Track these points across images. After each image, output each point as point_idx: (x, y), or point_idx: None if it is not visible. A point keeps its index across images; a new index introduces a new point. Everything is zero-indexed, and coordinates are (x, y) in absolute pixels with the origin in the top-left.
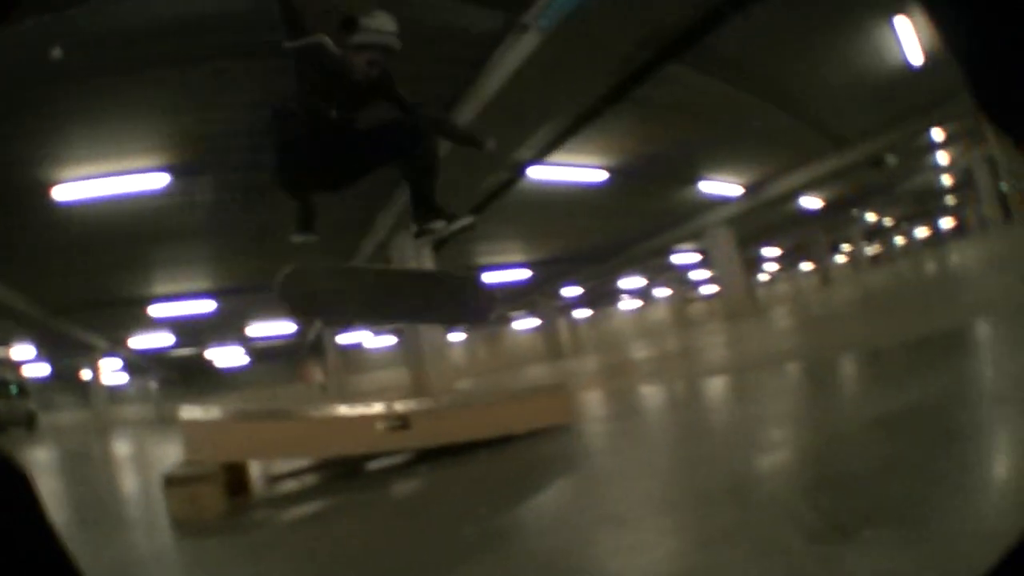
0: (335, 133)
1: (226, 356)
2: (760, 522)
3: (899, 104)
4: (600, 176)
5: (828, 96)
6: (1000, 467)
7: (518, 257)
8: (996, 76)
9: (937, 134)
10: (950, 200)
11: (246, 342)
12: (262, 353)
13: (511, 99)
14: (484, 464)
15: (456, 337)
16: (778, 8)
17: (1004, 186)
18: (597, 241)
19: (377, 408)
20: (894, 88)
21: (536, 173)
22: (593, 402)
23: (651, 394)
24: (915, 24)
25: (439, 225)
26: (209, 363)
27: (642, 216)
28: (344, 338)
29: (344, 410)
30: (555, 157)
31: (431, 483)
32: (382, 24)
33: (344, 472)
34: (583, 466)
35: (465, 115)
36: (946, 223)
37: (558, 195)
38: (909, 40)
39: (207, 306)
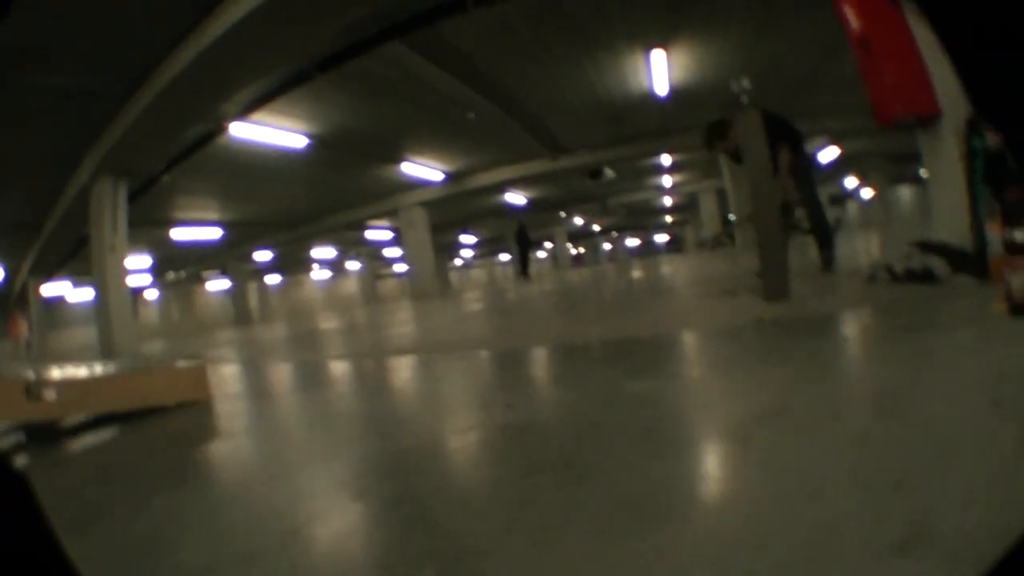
0: None
1: None
2: None
3: (632, 127)
4: (301, 142)
5: (557, 107)
6: None
7: (212, 216)
8: (991, 75)
9: (666, 159)
10: (668, 218)
11: None
12: None
13: (226, 50)
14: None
15: (151, 294)
16: (528, 15)
17: (732, 216)
18: (292, 207)
19: (23, 376)
20: (632, 112)
21: (238, 130)
22: (251, 377)
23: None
24: (668, 59)
25: None
26: None
27: (340, 188)
28: (48, 290)
29: None
30: (259, 116)
31: None
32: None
33: None
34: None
35: (181, 60)
36: (660, 237)
37: (257, 156)
38: (660, 72)
39: None
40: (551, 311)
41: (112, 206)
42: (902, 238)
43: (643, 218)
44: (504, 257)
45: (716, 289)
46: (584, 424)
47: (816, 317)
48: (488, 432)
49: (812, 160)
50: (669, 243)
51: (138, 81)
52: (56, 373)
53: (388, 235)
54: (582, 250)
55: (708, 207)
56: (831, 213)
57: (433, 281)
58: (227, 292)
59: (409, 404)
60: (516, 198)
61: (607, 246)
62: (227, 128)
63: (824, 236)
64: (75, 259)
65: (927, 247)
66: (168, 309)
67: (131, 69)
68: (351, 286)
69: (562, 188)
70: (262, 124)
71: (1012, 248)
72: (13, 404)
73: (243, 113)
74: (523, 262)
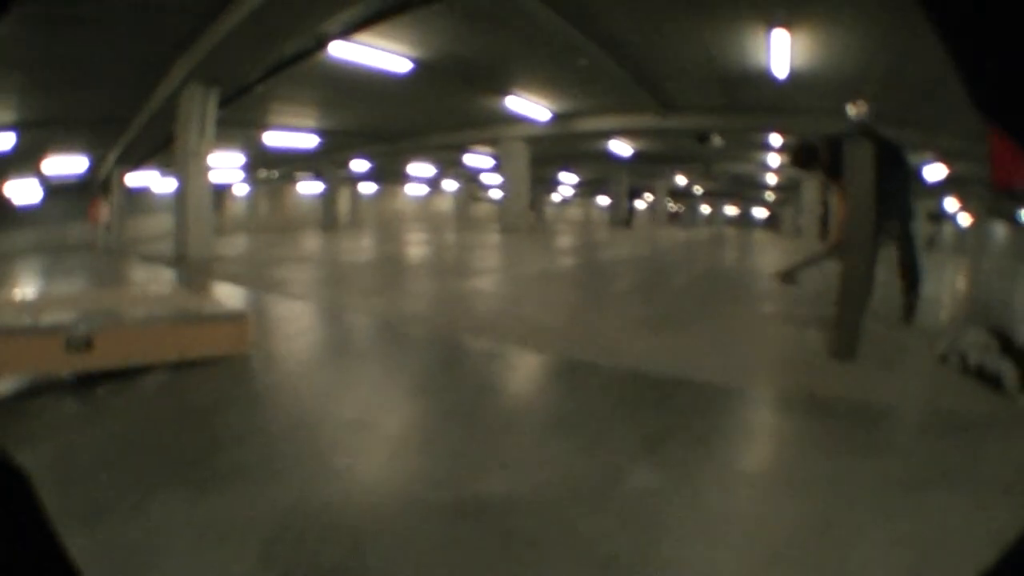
0: None
1: (22, 191)
2: None
3: (745, 99)
4: (405, 66)
5: (671, 66)
6: None
7: (308, 123)
8: (994, 76)
9: (775, 138)
10: (770, 195)
11: (42, 177)
12: (56, 190)
13: None
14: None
15: (241, 189)
16: None
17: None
18: (391, 123)
19: (60, 321)
20: (747, 85)
21: (339, 49)
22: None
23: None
24: (791, 40)
25: None
26: (6, 199)
27: (442, 111)
28: (134, 179)
29: (23, 326)
30: (361, 37)
31: None
32: None
33: None
34: None
35: None
36: (759, 212)
37: (359, 74)
38: (780, 52)
39: (6, 140)
40: (608, 292)
41: (200, 113)
42: (994, 284)
43: (745, 189)
44: (603, 200)
45: (786, 308)
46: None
47: (873, 410)
48: None
49: (912, 189)
50: (767, 219)
51: None
52: (98, 313)
53: (488, 162)
54: (680, 208)
55: (809, 196)
56: (928, 229)
57: (525, 216)
58: (319, 196)
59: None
60: (621, 147)
61: (706, 208)
62: (327, 46)
63: (913, 278)
64: (163, 153)
65: (1006, 345)
66: (257, 206)
67: None
68: (446, 204)
69: (668, 145)
70: (365, 44)
71: None
72: (54, 356)
73: (344, 33)
74: (629, 214)
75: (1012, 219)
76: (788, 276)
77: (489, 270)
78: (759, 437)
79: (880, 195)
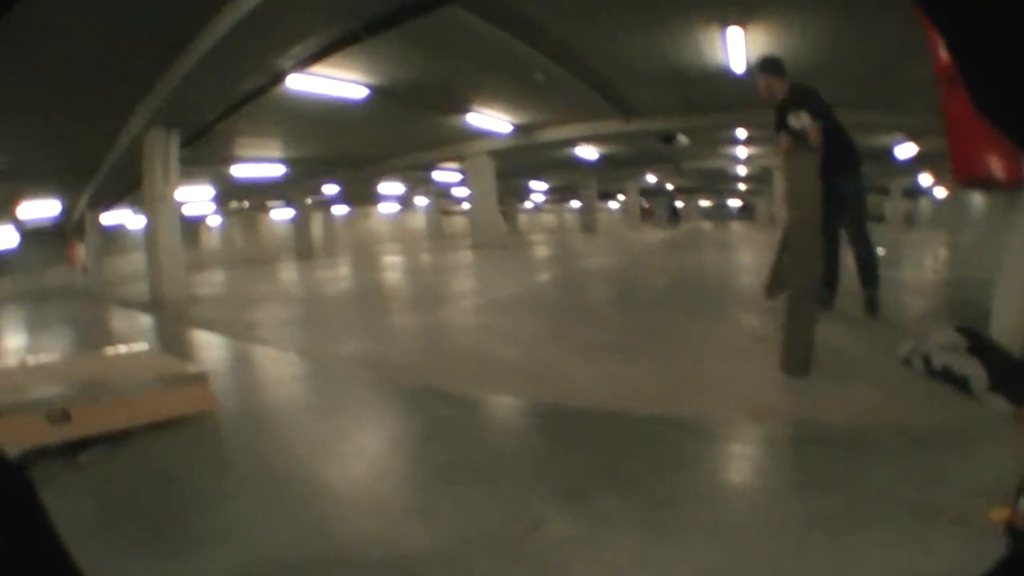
0: None
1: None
2: None
3: (707, 98)
4: (361, 92)
5: (628, 72)
6: None
7: (273, 154)
8: (996, 77)
9: (741, 132)
10: (742, 186)
11: (17, 223)
12: (31, 234)
13: (270, 10)
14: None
15: (214, 220)
16: None
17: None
18: (355, 149)
19: (40, 396)
20: (707, 84)
21: (296, 82)
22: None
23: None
24: (746, 37)
25: None
26: None
27: (403, 133)
28: (107, 218)
29: (10, 403)
30: (317, 69)
31: None
32: None
33: None
34: None
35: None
36: (733, 202)
37: (317, 104)
38: (736, 49)
39: None
40: (574, 314)
41: (163, 155)
42: (972, 256)
43: (717, 183)
44: (575, 204)
45: (758, 321)
46: None
47: (822, 433)
48: None
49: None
50: (742, 208)
51: (186, 40)
52: (74, 385)
53: (456, 176)
54: (651, 207)
55: (782, 184)
56: (902, 206)
57: (496, 230)
58: (291, 221)
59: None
60: (588, 152)
61: (679, 204)
62: (284, 80)
63: (869, 273)
64: (133, 193)
65: (974, 344)
66: (231, 236)
67: (178, 30)
68: (419, 221)
69: (636, 147)
70: (320, 76)
71: None
72: (39, 428)
73: (299, 66)
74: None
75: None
76: (772, 289)
77: (457, 296)
78: (688, 476)
79: (830, 194)
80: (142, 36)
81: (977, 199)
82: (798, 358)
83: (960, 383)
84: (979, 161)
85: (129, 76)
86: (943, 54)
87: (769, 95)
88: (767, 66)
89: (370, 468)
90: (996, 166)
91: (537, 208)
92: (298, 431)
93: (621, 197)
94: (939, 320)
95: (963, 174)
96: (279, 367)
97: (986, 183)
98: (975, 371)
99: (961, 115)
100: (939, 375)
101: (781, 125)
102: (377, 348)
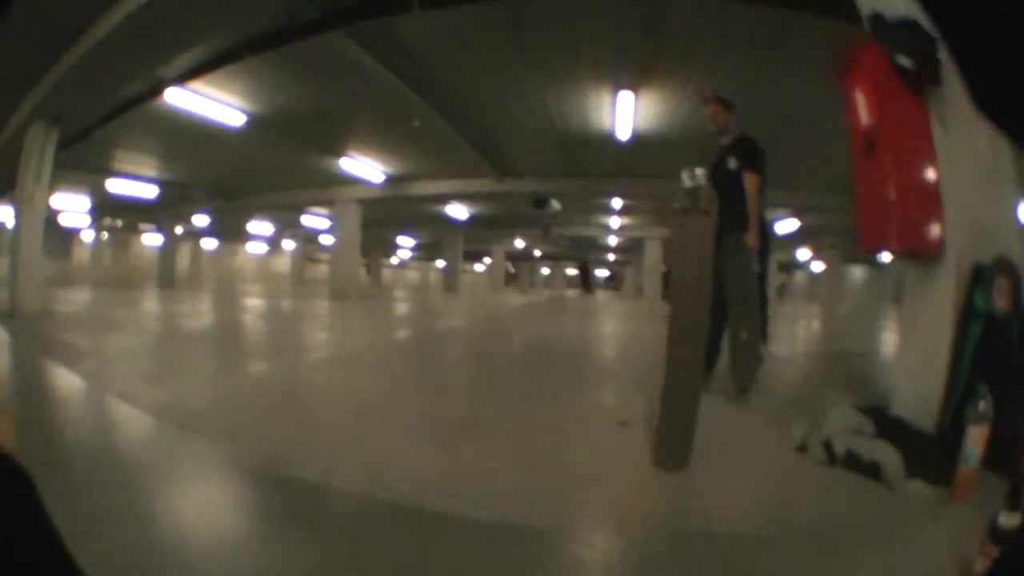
0: None
1: None
2: None
3: (586, 163)
4: (239, 119)
5: (509, 130)
6: None
7: (148, 172)
8: (995, 78)
9: (616, 202)
10: (611, 256)
11: None
12: None
13: (155, 14)
14: None
15: (88, 235)
16: (487, 29)
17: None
18: (229, 178)
19: None
20: (588, 148)
21: (175, 97)
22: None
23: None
24: (636, 103)
25: None
26: None
27: (277, 169)
28: None
29: None
30: (197, 86)
31: None
32: None
33: None
34: None
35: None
36: (601, 272)
37: (194, 126)
38: (625, 115)
39: None
40: (419, 381)
41: (40, 152)
42: (848, 323)
43: (585, 251)
44: (440, 263)
45: (623, 398)
46: None
47: (696, 546)
48: None
49: (769, 242)
50: (608, 279)
51: (79, 29)
52: None
53: (325, 223)
54: (515, 271)
55: (652, 255)
56: (778, 279)
57: (355, 281)
58: (160, 247)
59: None
60: (458, 210)
61: (545, 271)
62: (164, 93)
63: (751, 354)
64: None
65: (883, 425)
66: (101, 256)
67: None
68: (284, 264)
69: (506, 208)
70: (200, 94)
71: (993, 535)
72: None
73: (181, 79)
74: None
75: (871, 261)
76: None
77: (300, 349)
78: None
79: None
80: (36, 18)
81: (856, 272)
82: (674, 450)
83: (870, 470)
84: (889, 232)
85: (22, 61)
86: (863, 120)
87: (719, 130)
88: (728, 102)
89: None
90: (909, 236)
91: (403, 264)
92: None
93: (487, 260)
94: (832, 398)
95: (870, 245)
96: (103, 408)
97: (893, 251)
98: (887, 456)
99: (869, 178)
100: (843, 462)
101: (717, 168)
102: (199, 403)
